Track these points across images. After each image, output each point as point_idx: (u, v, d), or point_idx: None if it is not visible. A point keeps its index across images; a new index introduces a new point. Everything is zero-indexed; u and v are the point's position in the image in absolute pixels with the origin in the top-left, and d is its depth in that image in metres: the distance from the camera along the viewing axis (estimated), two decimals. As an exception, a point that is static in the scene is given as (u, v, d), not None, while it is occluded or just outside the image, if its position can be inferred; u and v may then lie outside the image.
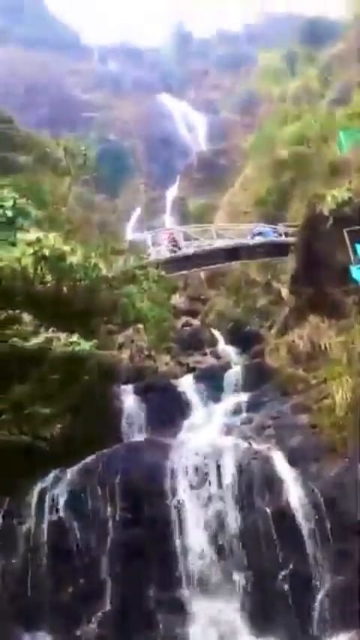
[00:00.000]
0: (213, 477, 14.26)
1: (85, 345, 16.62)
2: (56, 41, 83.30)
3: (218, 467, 14.39)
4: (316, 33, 55.96)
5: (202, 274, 34.78)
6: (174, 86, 79.34)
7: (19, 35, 79.84)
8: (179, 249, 27.39)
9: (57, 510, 13.96)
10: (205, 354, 26.16)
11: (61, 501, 14.03)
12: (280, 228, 28.83)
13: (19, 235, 18.30)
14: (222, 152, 55.50)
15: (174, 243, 27.88)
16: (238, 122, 61.49)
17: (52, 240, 18.12)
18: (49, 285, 19.93)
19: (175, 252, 27.31)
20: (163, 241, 28.63)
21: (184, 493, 14.06)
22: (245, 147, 48.71)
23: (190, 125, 69.90)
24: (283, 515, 13.34)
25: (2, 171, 23.66)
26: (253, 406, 18.21)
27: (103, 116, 67.09)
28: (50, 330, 16.89)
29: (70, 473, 14.70)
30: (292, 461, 14.37)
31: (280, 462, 14.30)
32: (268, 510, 13.42)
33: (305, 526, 13.16)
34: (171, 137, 67.20)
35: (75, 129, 55.24)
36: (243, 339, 26.58)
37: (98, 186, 42.56)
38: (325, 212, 19.55)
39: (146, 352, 23.36)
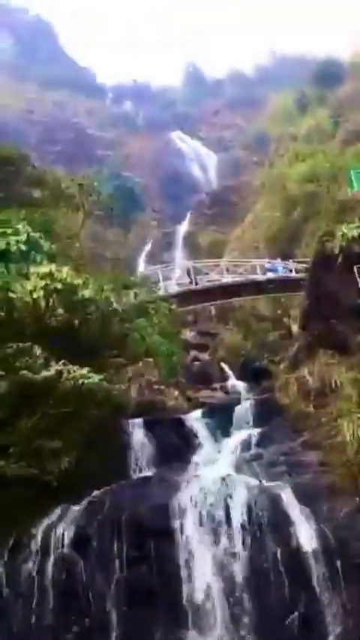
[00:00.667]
0: (222, 515, 14.03)
1: (95, 379, 16.61)
2: (72, 81, 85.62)
3: (227, 504, 14.17)
4: (326, 74, 57.23)
5: (212, 309, 34.90)
6: (186, 125, 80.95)
7: (36, 75, 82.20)
8: (197, 283, 27.64)
9: (63, 547, 13.75)
10: (215, 389, 26.06)
11: (67, 538, 13.83)
12: (291, 264, 29.01)
13: (32, 268, 18.56)
14: (233, 189, 56.28)
15: (192, 277, 28.16)
16: (249, 160, 62.49)
17: (65, 273, 18.32)
18: (60, 318, 20.09)
19: (194, 284, 27.60)
20: (183, 275, 28.93)
21: (191, 531, 13.81)
22: (256, 184, 49.43)
23: (202, 162, 71.13)
24: (293, 556, 13.06)
25: (17, 206, 24.06)
26: (263, 442, 18.01)
27: (116, 153, 68.53)
28: (60, 362, 16.93)
29: (77, 508, 14.53)
30: (303, 499, 14.11)
31: (290, 501, 14.05)
32: (277, 550, 13.15)
33: (315, 567, 12.87)
34: (183, 174, 68.37)
35: (89, 165, 56.39)
36: (253, 374, 26.51)
37: (111, 221, 43.16)
38: (335, 249, 19.66)
39: (155, 386, 23.30)
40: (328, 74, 56.17)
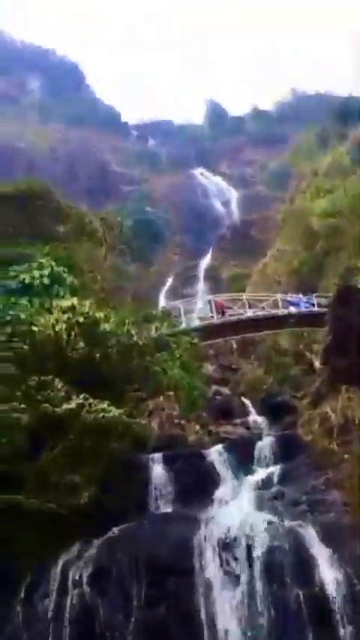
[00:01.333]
0: (243, 555, 13.70)
1: (115, 412, 16.58)
2: (97, 119, 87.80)
3: (248, 544, 13.86)
4: (346, 112, 57.80)
5: (234, 343, 34.78)
6: (208, 161, 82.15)
7: (62, 114, 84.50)
8: (218, 316, 27.66)
9: (81, 585, 13.51)
10: (236, 424, 25.72)
11: (85, 576, 13.59)
12: (313, 298, 28.89)
13: (55, 302, 18.78)
14: (254, 224, 56.64)
15: (223, 311, 28.22)
16: (270, 195, 62.95)
17: (87, 307, 18.50)
18: (81, 351, 20.19)
19: (216, 318, 27.64)
20: (204, 309, 29.00)
21: (212, 571, 13.50)
22: (277, 219, 49.72)
23: (224, 198, 71.88)
24: (316, 598, 12.65)
25: (41, 241, 24.51)
26: (285, 480, 17.65)
27: (139, 189, 69.63)
28: (81, 396, 16.94)
29: (96, 545, 14.31)
30: (326, 540, 13.73)
31: (313, 541, 13.69)
32: (300, 592, 12.76)
33: (339, 611, 12.44)
34: (205, 209, 69.13)
35: (113, 201, 57.40)
36: (274, 409, 26.14)
37: (133, 255, 43.64)
38: (358, 284, 19.57)
39: (176, 421, 23.11)
40: (349, 112, 56.81)
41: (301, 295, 29.87)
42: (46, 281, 19.28)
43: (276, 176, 65.98)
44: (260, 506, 16.19)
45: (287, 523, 14.57)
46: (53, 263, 20.22)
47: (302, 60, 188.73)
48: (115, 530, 14.74)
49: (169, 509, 16.88)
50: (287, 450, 19.10)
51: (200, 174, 77.37)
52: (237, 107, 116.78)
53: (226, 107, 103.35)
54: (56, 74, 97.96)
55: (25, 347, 17.55)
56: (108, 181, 68.47)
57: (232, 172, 78.86)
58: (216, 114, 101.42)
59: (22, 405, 15.02)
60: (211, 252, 55.95)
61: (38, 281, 19.14)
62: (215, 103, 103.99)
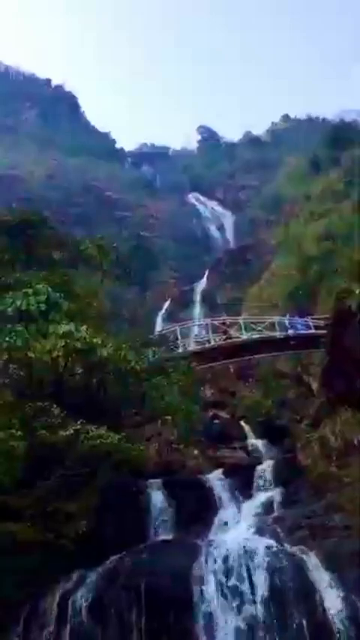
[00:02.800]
0: (244, 581, 13.50)
1: (114, 439, 16.44)
2: (92, 146, 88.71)
3: (249, 570, 13.67)
4: (338, 136, 58.54)
5: (231, 366, 34.69)
6: (203, 187, 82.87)
7: (58, 142, 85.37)
8: (230, 338, 27.62)
9: (80, 614, 13.27)
10: (235, 448, 25.55)
11: (84, 605, 13.37)
12: (309, 321, 28.91)
13: (52, 328, 18.72)
14: (249, 247, 56.87)
15: (226, 333, 28.20)
16: (265, 219, 63.39)
17: (84, 332, 18.43)
18: (78, 377, 20.12)
19: (212, 342, 27.59)
20: (200, 333, 28.96)
21: (213, 599, 13.28)
22: (272, 243, 50.00)
23: (219, 222, 72.41)
24: (320, 626, 12.45)
25: (37, 267, 24.52)
26: (285, 504, 17.55)
27: (135, 214, 70.04)
28: (79, 422, 16.83)
29: (94, 574, 14.10)
30: (328, 565, 13.56)
31: (315, 566, 13.52)
32: (303, 620, 12.54)
33: (342, 636, 12.21)
34: (200, 234, 69.55)
35: (108, 227, 57.67)
36: (273, 432, 26.01)
37: (129, 280, 43.71)
38: (354, 307, 19.63)
39: (174, 445, 22.97)
40: (342, 137, 57.54)
41: (297, 318, 29.89)
42: (42, 307, 19.17)
43: (270, 200, 66.49)
44: (261, 531, 16.04)
45: (288, 548, 14.42)
46: (50, 289, 20.15)
47: (293, 85, 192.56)
48: (114, 559, 14.53)
49: (169, 537, 16.69)
50: (287, 474, 19.03)
51: (195, 199, 78.03)
52: (230, 133, 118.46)
53: (219, 133, 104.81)
54: (52, 103, 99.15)
55: (22, 373, 17.48)
56: (104, 207, 68.82)
57: (227, 197, 79.47)
58: (209, 140, 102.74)
59: (19, 433, 14.87)
60: (206, 276, 56.10)
61: (35, 307, 19.04)
62: (208, 129, 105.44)
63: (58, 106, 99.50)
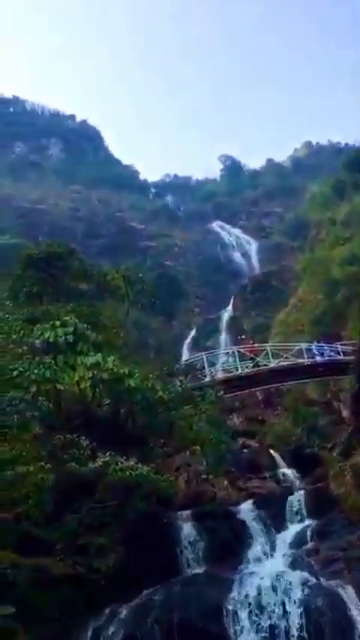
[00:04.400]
0: (278, 617, 13.11)
1: (142, 470, 16.34)
2: (116, 179, 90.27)
3: (284, 605, 13.27)
4: (361, 161, 58.48)
5: (259, 394, 34.38)
6: (226, 214, 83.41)
7: (82, 175, 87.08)
8: (258, 366, 27.47)
9: (112, 651, 13.02)
10: (265, 478, 25.13)
11: (117, 641, 13.11)
12: (337, 346, 28.58)
13: (79, 359, 18.85)
14: (274, 274, 56.80)
15: (255, 355, 28.07)
16: (290, 245, 63.41)
17: (111, 363, 18.52)
18: (106, 408, 20.13)
19: (240, 370, 27.46)
20: (227, 361, 28.87)
21: (246, 635, 12.92)
22: (297, 268, 49.88)
23: (243, 249, 72.56)
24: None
25: (65, 299, 24.85)
26: (318, 536, 17.05)
27: (159, 244, 70.70)
28: (107, 454, 16.78)
29: (125, 610, 13.84)
30: (365, 600, 13.11)
31: (352, 601, 13.06)
32: (340, 657, 12.11)
33: None
34: (224, 261, 69.73)
35: (133, 257, 58.31)
36: (304, 461, 25.53)
37: (155, 310, 43.93)
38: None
39: (204, 476, 22.68)
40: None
41: (325, 344, 29.57)
42: (70, 339, 19.38)
43: (294, 226, 66.57)
44: (294, 564, 15.59)
45: (324, 582, 13.98)
46: (77, 320, 20.38)
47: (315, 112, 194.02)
48: (146, 593, 14.28)
49: (200, 570, 16.35)
50: (319, 504, 18.55)
51: (219, 227, 78.47)
52: (252, 161, 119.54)
53: (241, 161, 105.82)
54: (76, 138, 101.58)
55: (50, 405, 17.55)
56: (128, 237, 69.68)
57: (250, 224, 79.83)
58: (232, 168, 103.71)
59: (48, 465, 14.88)
60: (232, 303, 56.08)
61: (62, 339, 19.25)
62: (231, 157, 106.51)
63: (82, 140, 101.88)
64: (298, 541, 17.23)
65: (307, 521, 18.14)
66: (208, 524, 18.09)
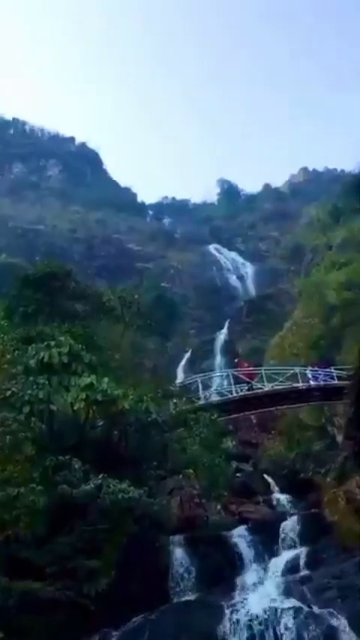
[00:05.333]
0: (271, 646, 12.94)
1: (135, 494, 16.18)
2: (114, 201, 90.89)
3: (276, 633, 13.09)
4: (358, 186, 59.04)
5: (254, 418, 34.21)
6: (223, 238, 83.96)
7: (81, 197, 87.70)
8: (252, 389, 27.36)
9: None
10: (258, 503, 24.91)
11: (105, 669, 12.89)
12: (332, 371, 28.54)
13: (73, 380, 18.77)
14: (270, 297, 56.96)
15: (251, 378, 27.95)
16: (286, 269, 63.72)
17: (105, 385, 18.44)
18: (99, 429, 20.00)
19: (234, 393, 27.33)
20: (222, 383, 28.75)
21: (238, 665, 12.73)
22: (293, 292, 50.03)
23: (239, 272, 72.88)
24: None
25: (60, 319, 24.82)
26: (311, 563, 16.90)
27: (156, 266, 70.98)
28: (100, 476, 16.63)
29: (116, 635, 13.63)
30: (358, 629, 12.94)
31: (345, 631, 12.90)
32: None
33: None
34: (221, 284, 69.98)
35: (130, 278, 58.43)
36: (298, 486, 25.35)
37: (150, 331, 43.91)
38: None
39: (197, 500, 22.46)
40: None
41: (319, 368, 29.52)
42: (64, 359, 19.32)
43: (290, 250, 66.98)
44: (287, 591, 15.42)
45: (316, 610, 13.81)
46: (72, 341, 20.33)
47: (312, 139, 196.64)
48: (137, 619, 14.07)
49: (192, 597, 16.15)
50: (313, 530, 18.43)
51: (215, 250, 78.89)
52: (249, 185, 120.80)
53: (239, 186, 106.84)
54: (75, 160, 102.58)
55: (43, 426, 17.42)
56: (125, 259, 69.99)
57: (247, 247, 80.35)
58: (230, 192, 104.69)
59: (40, 487, 14.72)
60: (227, 326, 56.10)
61: (57, 359, 19.19)
62: (228, 181, 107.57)
63: (81, 162, 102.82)
64: (291, 568, 17.07)
65: (301, 548, 17.98)
66: (201, 550, 17.96)
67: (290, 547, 18.47)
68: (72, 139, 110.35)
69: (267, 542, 18.70)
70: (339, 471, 20.26)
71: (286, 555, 17.91)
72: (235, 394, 27.66)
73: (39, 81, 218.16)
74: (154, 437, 19.67)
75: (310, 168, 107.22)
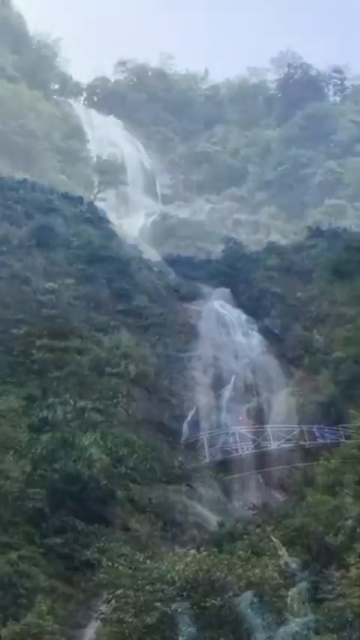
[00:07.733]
0: None
1: (139, 556, 15.77)
2: (119, 257, 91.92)
3: None
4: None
5: (260, 476, 33.59)
6: (228, 294, 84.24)
7: (86, 255, 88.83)
8: (259, 447, 27.05)
9: None
10: (266, 566, 24.07)
11: None
12: (339, 429, 28.25)
13: (77, 437, 18.61)
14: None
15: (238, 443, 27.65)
16: (290, 325, 63.62)
17: (109, 442, 18.31)
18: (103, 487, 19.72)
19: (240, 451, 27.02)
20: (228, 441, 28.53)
21: None
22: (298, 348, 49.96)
23: (245, 330, 72.93)
24: None
25: (66, 376, 24.87)
26: (322, 631, 16.21)
27: (161, 321, 71.09)
28: (103, 538, 16.23)
29: None
30: None
31: None
32: None
33: None
34: (226, 342, 69.85)
35: (134, 335, 58.53)
36: (307, 550, 24.55)
37: (156, 386, 43.61)
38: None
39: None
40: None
41: (326, 426, 29.23)
42: (68, 417, 19.28)
43: (294, 306, 67.06)
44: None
45: None
46: (77, 399, 20.35)
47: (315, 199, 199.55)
48: None
49: None
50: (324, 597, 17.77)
51: (220, 306, 79.10)
52: (253, 243, 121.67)
53: (242, 243, 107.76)
54: (81, 220, 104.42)
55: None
56: (130, 315, 70.16)
57: (251, 304, 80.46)
58: (234, 249, 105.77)
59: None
60: (233, 382, 55.79)
61: (61, 416, 19.15)
62: (233, 239, 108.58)
63: (87, 222, 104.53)
64: (300, 637, 16.37)
65: (311, 616, 17.31)
66: (206, 618, 17.29)
67: (300, 615, 17.81)
68: (79, 199, 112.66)
69: (275, 609, 18.03)
70: (348, 534, 19.76)
71: (294, 623, 17.24)
72: (241, 452, 27.33)
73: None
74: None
75: (314, 227, 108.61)
